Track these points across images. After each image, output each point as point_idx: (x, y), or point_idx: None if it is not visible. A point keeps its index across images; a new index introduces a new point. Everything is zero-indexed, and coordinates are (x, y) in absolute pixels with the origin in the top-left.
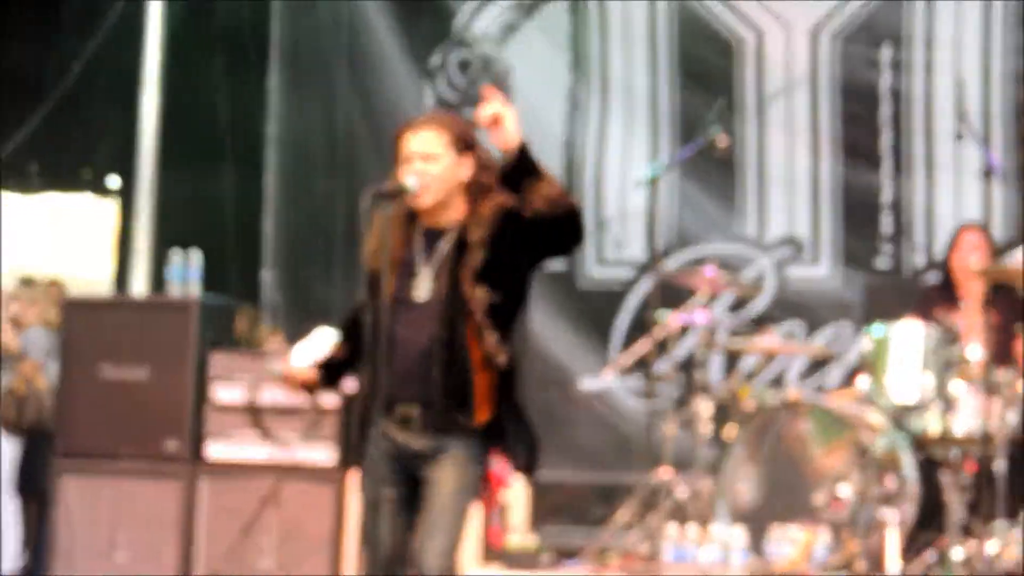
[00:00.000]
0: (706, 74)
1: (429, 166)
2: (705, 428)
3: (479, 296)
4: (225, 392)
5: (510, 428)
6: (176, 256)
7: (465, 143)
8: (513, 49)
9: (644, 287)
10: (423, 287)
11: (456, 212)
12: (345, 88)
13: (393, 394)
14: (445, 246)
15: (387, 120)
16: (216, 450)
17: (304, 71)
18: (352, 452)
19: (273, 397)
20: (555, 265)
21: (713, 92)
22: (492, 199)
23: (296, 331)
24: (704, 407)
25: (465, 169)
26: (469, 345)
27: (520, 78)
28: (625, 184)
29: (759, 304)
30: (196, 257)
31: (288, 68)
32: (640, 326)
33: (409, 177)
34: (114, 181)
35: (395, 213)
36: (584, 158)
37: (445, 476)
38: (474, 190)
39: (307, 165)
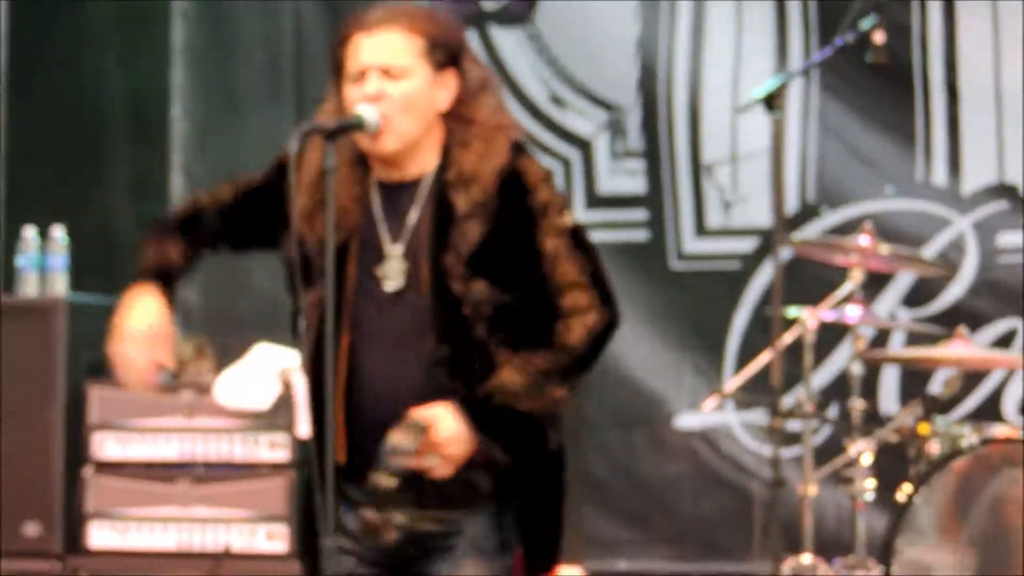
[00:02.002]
0: None
1: (392, 86)
2: (866, 487)
3: (475, 295)
4: (113, 446)
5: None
6: (29, 234)
7: (447, 52)
8: None
9: (768, 269)
10: (394, 271)
11: (429, 157)
12: None
13: (360, 452)
14: (419, 209)
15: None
16: (101, 536)
17: None
18: (304, 538)
19: (204, 451)
20: (634, 234)
21: None
22: (488, 141)
23: (222, 346)
24: (864, 454)
25: (444, 92)
26: (482, 364)
27: None
28: (734, 108)
29: (952, 292)
30: (59, 234)
31: None
32: (764, 328)
33: (363, 106)
34: None
35: (342, 160)
36: (670, 68)
37: (465, 570)
38: (456, 125)
39: (233, 95)
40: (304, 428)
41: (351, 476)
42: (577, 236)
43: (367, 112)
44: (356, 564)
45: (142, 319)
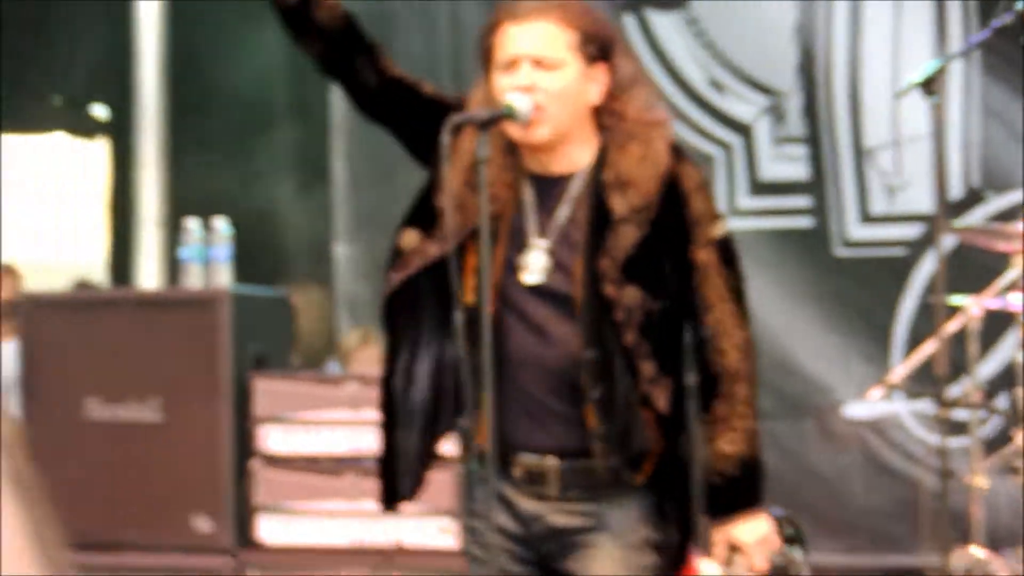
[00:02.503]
0: None
1: (544, 77)
2: None
3: (628, 300)
4: (281, 439)
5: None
6: (193, 225)
7: (599, 45)
8: None
9: (933, 255)
10: (536, 265)
11: (581, 153)
12: None
13: (509, 434)
14: (569, 207)
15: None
16: (270, 531)
17: None
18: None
19: (371, 444)
20: (798, 220)
21: None
22: (646, 144)
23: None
24: None
25: (596, 86)
26: (628, 369)
27: None
28: (896, 91)
29: None
30: (222, 227)
31: None
32: (930, 315)
33: (514, 95)
34: (101, 111)
35: (496, 147)
36: (828, 52)
37: (606, 567)
38: (608, 120)
39: None
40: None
41: (503, 460)
42: (727, 249)
43: (518, 101)
44: (508, 561)
45: None
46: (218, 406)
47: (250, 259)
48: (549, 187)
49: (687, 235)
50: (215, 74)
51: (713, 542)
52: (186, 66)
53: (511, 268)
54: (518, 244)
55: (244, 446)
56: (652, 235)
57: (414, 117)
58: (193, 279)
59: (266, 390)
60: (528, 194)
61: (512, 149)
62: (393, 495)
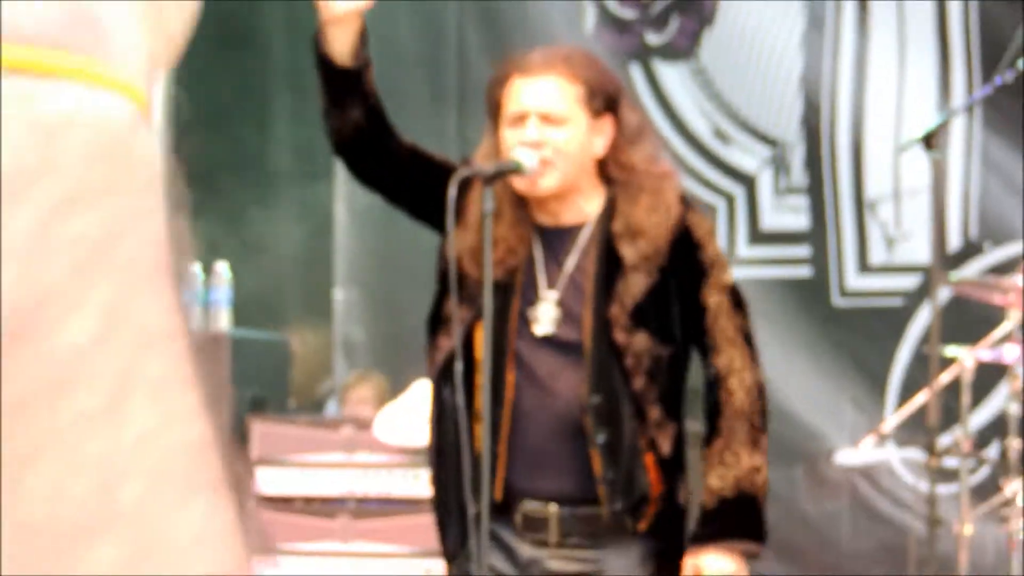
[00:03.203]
0: None
1: (552, 132)
2: (1022, 526)
3: (638, 346)
4: (277, 482)
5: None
6: (193, 267)
7: (605, 98)
8: None
9: (929, 307)
10: (545, 316)
11: (588, 203)
12: (454, 4)
13: (513, 483)
14: (578, 257)
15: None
16: (264, 571)
17: None
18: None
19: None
20: (797, 270)
21: None
22: (655, 194)
23: (388, 378)
24: (1020, 494)
25: (601, 138)
26: (635, 414)
27: None
28: (898, 145)
29: None
30: (222, 268)
31: None
32: (925, 366)
33: (521, 150)
34: None
35: (501, 202)
36: (833, 105)
37: None
38: (615, 171)
39: (401, 126)
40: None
41: (501, 513)
42: (736, 295)
43: (525, 156)
44: None
45: None
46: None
47: (249, 302)
48: (558, 238)
49: (699, 280)
50: (219, 119)
51: (683, 569)
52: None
53: (524, 320)
54: (529, 297)
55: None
56: (661, 282)
57: (430, 186)
58: (193, 322)
59: (263, 433)
60: (537, 247)
61: (522, 203)
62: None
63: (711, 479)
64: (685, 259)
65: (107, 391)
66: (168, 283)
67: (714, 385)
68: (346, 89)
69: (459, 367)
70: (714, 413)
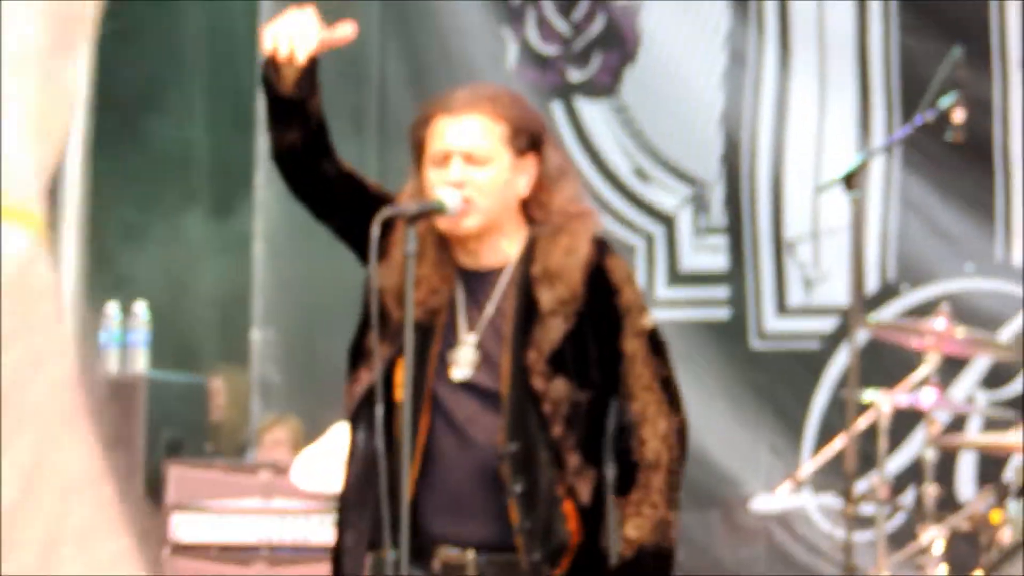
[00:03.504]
0: (943, 10)
1: (475, 172)
2: (938, 574)
3: (556, 392)
4: (192, 528)
5: None
6: (111, 307)
7: (529, 138)
8: None
9: (847, 350)
10: (464, 360)
11: (510, 244)
12: (376, 37)
13: (430, 528)
14: (498, 300)
15: (442, 89)
16: None
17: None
18: None
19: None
20: (715, 312)
21: (949, 36)
22: (572, 236)
23: (306, 422)
24: (936, 541)
25: (525, 177)
26: (553, 461)
27: (653, 19)
28: (818, 185)
29: None
30: (140, 309)
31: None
32: (842, 410)
33: (444, 190)
34: None
35: (424, 242)
36: (753, 143)
37: None
38: (536, 212)
39: None
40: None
41: (416, 557)
42: (655, 340)
43: (448, 196)
44: None
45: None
46: (131, 494)
47: (165, 340)
48: (479, 281)
49: (616, 325)
50: (135, 153)
51: None
52: (106, 143)
53: (443, 363)
54: (449, 339)
55: (154, 534)
56: (579, 327)
57: (360, 212)
58: (110, 364)
59: (179, 477)
60: (459, 288)
61: (445, 243)
62: None
63: (628, 529)
64: (602, 304)
65: (37, 549)
66: (84, 425)
67: (627, 432)
68: (286, 114)
69: (379, 410)
70: (627, 462)
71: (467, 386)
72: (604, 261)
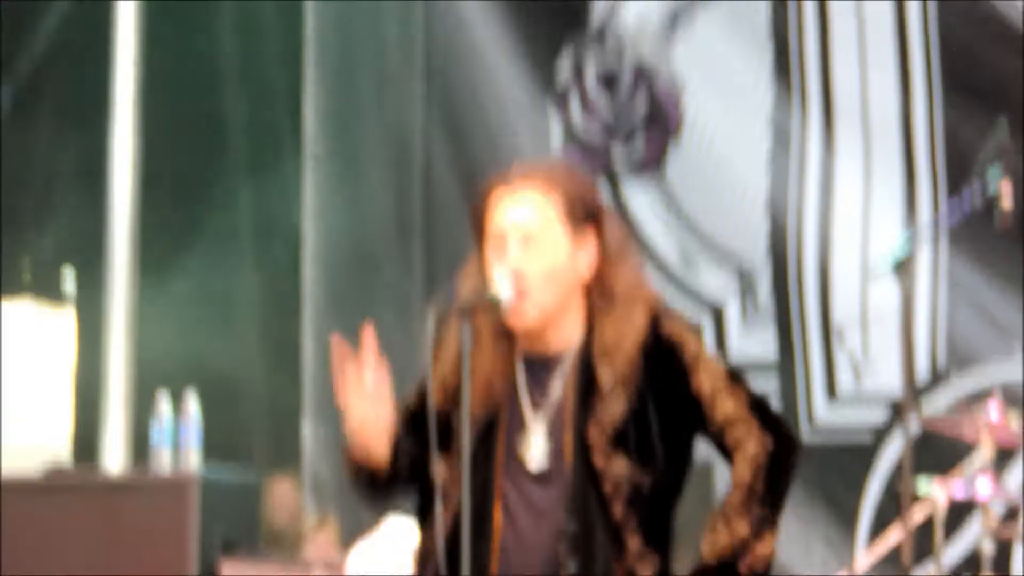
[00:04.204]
0: (986, 83)
1: (532, 257)
2: None
3: (617, 471)
4: None
5: None
6: (163, 404)
7: (585, 208)
8: (685, 53)
9: (899, 438)
10: (537, 448)
11: (573, 329)
12: (420, 116)
13: None
14: (560, 385)
15: (487, 170)
16: None
17: (354, 91)
18: None
19: None
20: None
21: (992, 107)
22: (628, 307)
23: (355, 520)
24: None
25: (585, 256)
26: (611, 543)
27: (697, 98)
28: (866, 267)
29: None
30: (192, 404)
31: (332, 93)
32: (895, 499)
33: (500, 280)
34: (70, 281)
35: (480, 333)
36: (799, 226)
37: None
38: (598, 296)
39: (362, 250)
40: None
41: None
42: (731, 374)
43: (503, 288)
44: None
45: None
46: None
47: (216, 431)
48: (542, 368)
49: (687, 376)
50: (184, 246)
51: None
52: (156, 239)
53: (514, 455)
54: (515, 427)
55: None
56: (641, 407)
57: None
58: (162, 462)
59: (234, 574)
60: (521, 376)
61: (504, 331)
62: None
63: (702, 545)
64: (665, 366)
65: None
66: None
67: (728, 458)
68: (382, 487)
69: (439, 509)
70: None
71: (543, 476)
72: (660, 326)
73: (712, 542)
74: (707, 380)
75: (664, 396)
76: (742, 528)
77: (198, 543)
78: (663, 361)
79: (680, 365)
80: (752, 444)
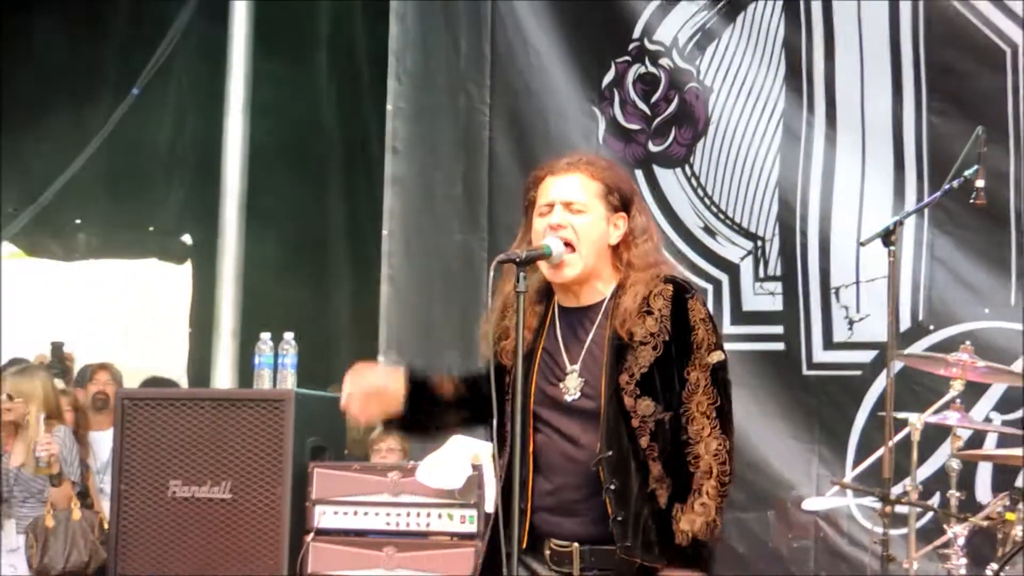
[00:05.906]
0: (964, 91)
1: (573, 218)
2: (961, 563)
3: (643, 410)
4: (331, 517)
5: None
6: (265, 337)
7: (620, 196)
8: (711, 63)
9: (884, 377)
10: (572, 385)
11: (605, 286)
12: (485, 113)
13: (543, 528)
14: (592, 332)
15: (543, 159)
16: None
17: (430, 92)
18: None
19: (406, 522)
20: (773, 345)
21: (972, 119)
22: (653, 278)
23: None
24: (960, 537)
25: (616, 231)
26: (640, 468)
27: (720, 101)
28: (860, 240)
29: None
30: (290, 339)
31: (413, 91)
32: (879, 427)
33: (549, 238)
34: (187, 240)
35: (530, 286)
36: (804, 206)
37: None
38: (623, 261)
39: (436, 219)
40: (491, 506)
41: (530, 549)
42: (716, 374)
43: (553, 244)
44: None
45: (381, 377)
46: (281, 489)
47: (308, 360)
48: (577, 317)
49: (687, 358)
50: (283, 215)
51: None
52: (264, 207)
53: (551, 388)
54: (555, 369)
55: (301, 523)
56: (666, 354)
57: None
58: (264, 383)
59: (322, 476)
60: (558, 325)
61: (546, 290)
62: None
63: (683, 523)
64: (681, 337)
65: None
66: None
67: (684, 447)
68: (425, 420)
69: (493, 427)
70: (684, 472)
71: (572, 408)
72: (689, 304)
73: (693, 520)
74: (696, 371)
75: (679, 353)
76: (715, 513)
77: (293, 450)
78: (682, 329)
79: (688, 345)
80: (714, 443)
